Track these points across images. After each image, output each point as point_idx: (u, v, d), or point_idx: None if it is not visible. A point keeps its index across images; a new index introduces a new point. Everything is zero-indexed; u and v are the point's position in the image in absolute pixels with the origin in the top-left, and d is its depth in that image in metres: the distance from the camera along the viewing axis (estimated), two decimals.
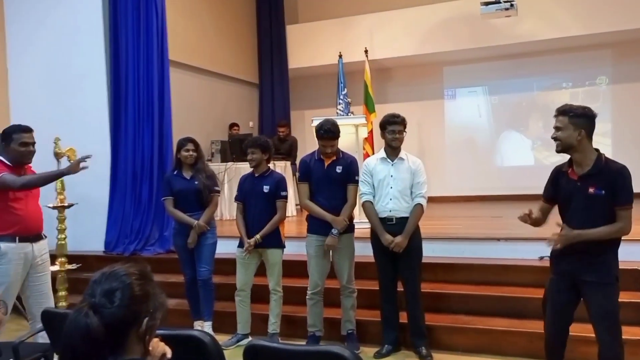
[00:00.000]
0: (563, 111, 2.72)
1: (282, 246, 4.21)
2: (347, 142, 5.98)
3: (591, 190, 2.65)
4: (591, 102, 8.88)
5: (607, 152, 9.54)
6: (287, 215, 7.30)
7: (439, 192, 9.06)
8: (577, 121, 2.68)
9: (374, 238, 3.90)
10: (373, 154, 5.82)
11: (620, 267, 3.91)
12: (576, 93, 8.98)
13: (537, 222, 2.90)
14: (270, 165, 7.01)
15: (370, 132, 7.58)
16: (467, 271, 4.56)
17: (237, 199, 4.29)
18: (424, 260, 3.96)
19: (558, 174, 2.84)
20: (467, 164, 9.40)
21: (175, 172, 4.41)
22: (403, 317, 3.96)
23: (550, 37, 8.08)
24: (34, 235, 3.48)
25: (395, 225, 3.79)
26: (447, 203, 8.89)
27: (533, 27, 8.06)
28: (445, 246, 4.90)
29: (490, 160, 9.37)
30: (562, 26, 7.99)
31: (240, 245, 4.21)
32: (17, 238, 3.36)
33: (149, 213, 5.78)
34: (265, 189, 4.14)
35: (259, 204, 4.15)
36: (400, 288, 3.94)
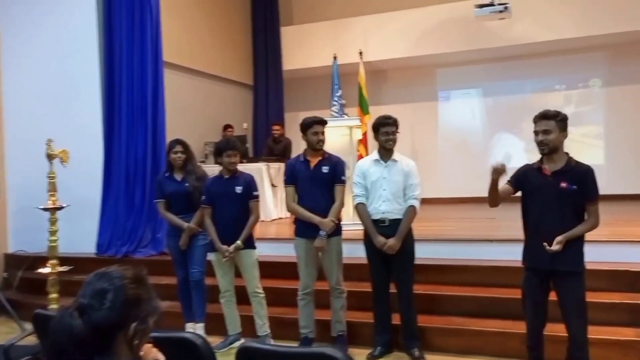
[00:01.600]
0: (551, 116, 2.93)
1: (255, 247, 4.19)
2: (341, 143, 5.99)
3: (563, 185, 2.89)
4: (584, 104, 8.96)
5: (600, 154, 9.61)
6: (280, 217, 7.40)
7: (433, 194, 9.05)
8: (562, 125, 2.93)
9: (367, 240, 3.89)
10: (367, 155, 5.82)
11: (609, 268, 3.98)
12: (569, 95, 9.03)
13: (496, 196, 3.06)
14: (264, 166, 7.15)
15: (365, 134, 7.58)
16: (460, 273, 4.56)
17: (204, 202, 4.16)
18: (416, 262, 3.95)
19: (529, 170, 3.06)
20: (461, 166, 9.41)
21: (166, 175, 4.39)
22: (395, 319, 3.96)
23: (544, 39, 8.12)
24: None
25: (388, 227, 3.79)
26: (441, 205, 8.90)
27: (527, 29, 8.10)
28: (438, 248, 4.90)
29: (484, 162, 9.32)
30: (556, 29, 8.03)
31: (212, 249, 4.16)
32: None
33: (142, 215, 5.76)
34: (238, 189, 4.09)
35: (233, 206, 4.08)
36: (392, 290, 3.94)
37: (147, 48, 5.82)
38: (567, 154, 2.99)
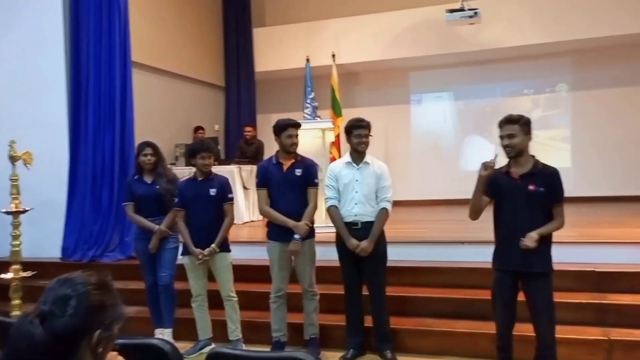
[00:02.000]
0: (514, 120, 3.01)
1: (229, 250, 4.14)
2: (314, 146, 5.98)
3: (531, 187, 2.95)
4: (552, 108, 9.17)
5: (567, 157, 9.84)
6: (252, 219, 7.35)
7: (405, 196, 9.12)
8: (525, 128, 3.01)
9: (339, 242, 3.89)
10: (340, 158, 5.82)
11: (576, 269, 4.07)
12: (537, 99, 9.23)
13: (480, 199, 3.08)
14: (235, 168, 7.08)
15: (337, 136, 7.59)
16: (431, 274, 4.59)
17: (177, 205, 4.10)
18: (389, 264, 3.97)
19: (497, 175, 3.08)
20: (433, 168, 9.52)
21: (136, 177, 4.30)
22: (368, 321, 3.96)
23: (513, 44, 8.29)
24: None
25: (360, 229, 3.79)
26: (413, 207, 8.98)
27: (496, 34, 8.24)
28: (411, 250, 4.93)
29: (456, 165, 9.51)
30: (524, 34, 8.20)
31: (186, 252, 4.10)
32: None
33: (109, 218, 5.63)
34: (212, 192, 4.04)
35: (207, 208, 4.02)
36: (365, 292, 3.94)
37: (115, 47, 5.70)
38: (533, 156, 3.05)
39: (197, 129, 8.35)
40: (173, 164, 7.27)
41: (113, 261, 5.47)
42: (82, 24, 5.77)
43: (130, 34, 5.87)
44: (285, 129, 3.91)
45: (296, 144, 3.94)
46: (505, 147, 3.01)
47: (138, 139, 4.99)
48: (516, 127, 2.98)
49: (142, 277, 4.38)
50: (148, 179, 4.25)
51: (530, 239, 2.90)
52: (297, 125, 3.97)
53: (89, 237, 5.62)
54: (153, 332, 4.22)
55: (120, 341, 1.59)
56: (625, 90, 8.66)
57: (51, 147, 5.68)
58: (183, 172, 6.66)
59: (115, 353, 1.41)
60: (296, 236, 3.82)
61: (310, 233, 3.97)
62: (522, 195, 2.96)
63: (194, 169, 4.16)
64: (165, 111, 8.01)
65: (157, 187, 4.20)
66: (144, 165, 4.23)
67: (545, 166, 3.03)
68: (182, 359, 2.01)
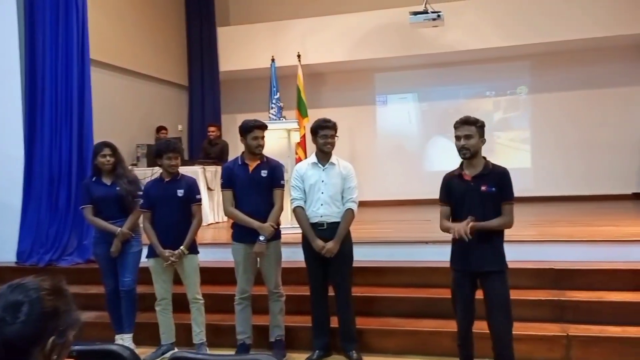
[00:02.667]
0: (472, 122, 3.07)
1: (198, 252, 4.08)
2: (279, 146, 5.95)
3: (483, 188, 3.02)
4: (512, 110, 9.41)
5: (527, 158, 10.09)
6: (217, 221, 7.25)
7: (371, 197, 9.20)
8: (481, 130, 3.08)
9: (305, 243, 3.87)
10: (306, 158, 5.81)
11: (535, 267, 4.18)
12: (498, 102, 9.45)
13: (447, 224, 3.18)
14: (199, 169, 6.98)
15: (303, 137, 7.59)
16: (396, 274, 4.62)
17: (143, 206, 4.02)
18: (354, 265, 3.98)
19: (450, 179, 3.18)
20: (398, 169, 9.62)
21: (94, 179, 4.17)
22: (334, 322, 3.96)
23: (475, 47, 8.47)
24: None
25: (326, 230, 3.79)
26: (379, 207, 9.05)
27: (459, 37, 8.40)
28: (376, 250, 4.96)
29: (421, 165, 9.65)
30: (485, 38, 8.39)
31: (152, 255, 4.01)
32: None
33: (67, 220, 5.44)
34: (180, 193, 3.97)
35: (173, 210, 3.95)
36: (331, 293, 3.93)
37: (72, 44, 5.51)
38: (484, 158, 3.12)
39: (160, 129, 8.18)
40: (134, 164, 7.12)
41: (71, 265, 5.29)
42: (38, 20, 5.56)
43: (88, 31, 5.70)
44: (251, 131, 3.87)
45: (262, 146, 3.91)
46: (461, 147, 3.07)
47: (97, 139, 4.84)
48: (473, 129, 3.05)
49: (102, 282, 4.24)
50: (107, 181, 4.13)
51: (469, 227, 2.92)
52: (263, 127, 3.93)
53: (46, 241, 5.42)
54: (113, 338, 4.10)
55: (77, 348, 1.53)
56: (582, 93, 8.96)
57: (5, 147, 5.48)
58: (145, 173, 6.54)
59: None
60: (261, 237, 3.78)
61: (276, 234, 3.94)
62: (475, 196, 3.03)
63: (156, 170, 4.07)
64: (126, 111, 7.82)
65: (118, 188, 4.08)
66: (103, 167, 4.10)
67: (495, 166, 3.10)
68: None
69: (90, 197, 4.12)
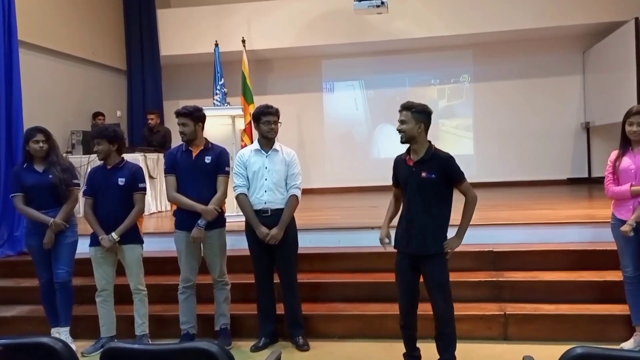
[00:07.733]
0: (407, 107, 3.09)
1: (141, 242, 3.97)
2: (223, 133, 5.84)
3: (423, 174, 3.06)
4: (456, 98, 9.63)
5: (469, 144, 10.33)
6: (160, 210, 7.05)
7: (318, 184, 9.22)
8: (418, 116, 3.07)
9: (249, 230, 3.83)
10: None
11: (476, 250, 4.29)
12: (443, 90, 9.64)
13: (395, 210, 3.33)
14: (140, 156, 6.74)
15: (249, 124, 7.44)
16: (342, 260, 4.66)
17: (86, 193, 3.92)
18: (300, 251, 3.98)
19: (399, 162, 3.23)
20: (345, 156, 9.67)
21: (25, 166, 3.95)
22: (280, 309, 3.95)
23: (419, 35, 8.57)
24: None
25: (270, 217, 3.76)
26: (326, 194, 9.08)
27: (403, 25, 8.48)
28: (322, 236, 4.97)
29: (367, 152, 9.73)
30: (429, 26, 8.52)
31: (93, 243, 3.88)
32: None
33: None
34: (121, 181, 3.85)
35: (114, 198, 3.84)
36: (276, 279, 3.91)
37: None
38: (429, 143, 3.13)
39: (96, 115, 7.83)
40: (69, 152, 6.80)
41: (2, 257, 5.02)
42: None
43: (16, 11, 5.35)
44: (177, 117, 3.82)
45: (184, 134, 3.82)
46: (398, 131, 3.11)
47: (28, 125, 4.57)
48: (408, 114, 3.06)
49: (36, 274, 4.04)
50: (39, 168, 3.92)
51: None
52: (185, 115, 3.81)
53: None
54: (49, 333, 3.91)
55: (6, 341, 1.43)
56: (520, 83, 9.28)
57: None
58: (81, 160, 6.27)
59: None
60: (200, 222, 3.73)
61: (221, 222, 3.89)
62: (416, 181, 3.07)
63: (92, 157, 3.91)
64: (59, 96, 7.42)
65: (51, 176, 3.88)
66: (35, 153, 3.89)
67: (437, 152, 3.11)
68: (76, 358, 1.86)
69: (21, 185, 3.91)
